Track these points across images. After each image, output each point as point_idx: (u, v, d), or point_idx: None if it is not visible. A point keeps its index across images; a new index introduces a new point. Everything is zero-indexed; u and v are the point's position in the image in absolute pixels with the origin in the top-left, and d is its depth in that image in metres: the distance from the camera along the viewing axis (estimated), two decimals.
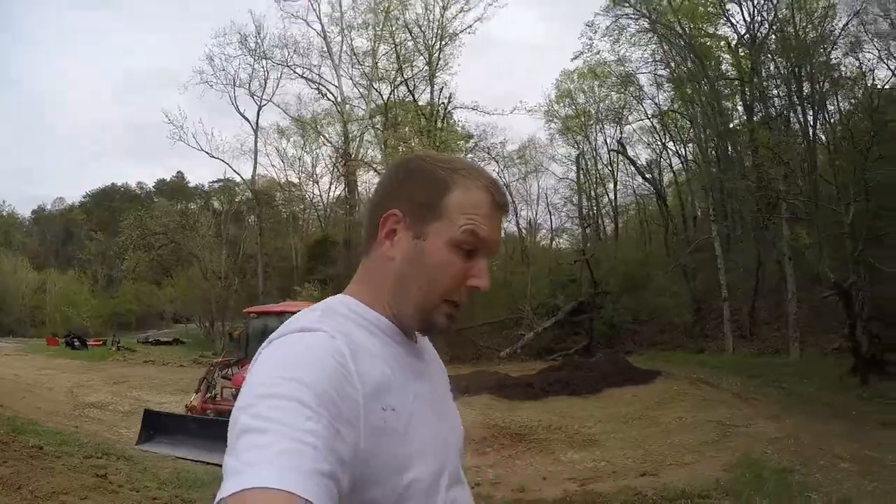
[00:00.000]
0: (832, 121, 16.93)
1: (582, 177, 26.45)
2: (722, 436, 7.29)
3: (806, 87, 15.22)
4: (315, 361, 0.71)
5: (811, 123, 15.65)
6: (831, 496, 4.80)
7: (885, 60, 16.75)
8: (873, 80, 16.02)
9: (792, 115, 15.70)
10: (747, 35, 16.81)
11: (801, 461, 5.96)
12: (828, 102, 16.78)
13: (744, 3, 16.91)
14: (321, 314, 0.82)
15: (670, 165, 26.53)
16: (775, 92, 16.13)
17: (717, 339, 13.86)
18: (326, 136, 28.97)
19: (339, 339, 0.75)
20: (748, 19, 16.82)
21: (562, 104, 27.24)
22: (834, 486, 5.11)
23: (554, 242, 31.99)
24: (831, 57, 15.54)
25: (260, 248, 28.51)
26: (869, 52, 15.22)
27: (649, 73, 20.79)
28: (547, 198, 30.92)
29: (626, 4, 19.12)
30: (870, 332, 10.18)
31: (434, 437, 0.83)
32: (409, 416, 0.79)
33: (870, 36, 16.60)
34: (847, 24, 15.65)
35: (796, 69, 15.07)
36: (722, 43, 17.90)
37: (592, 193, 28.07)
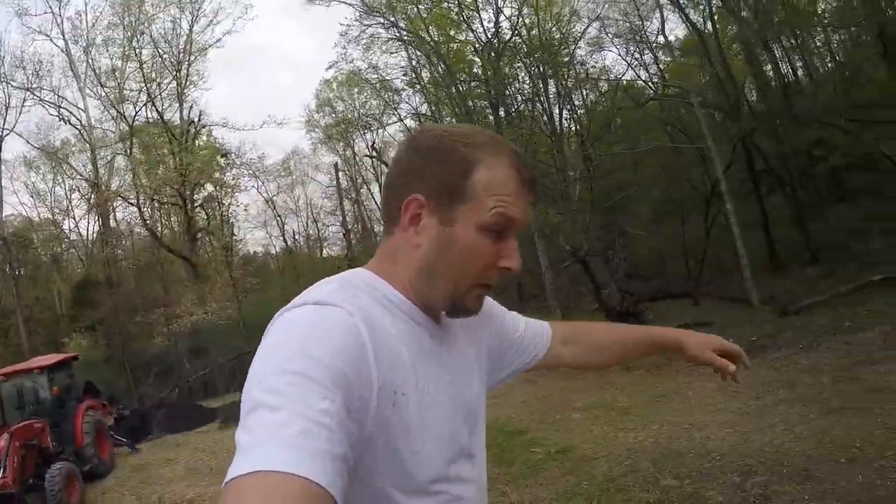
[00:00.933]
0: (579, 112, 19.77)
1: (347, 183, 27.14)
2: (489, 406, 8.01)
3: (553, 84, 17.41)
4: (331, 338, 0.68)
5: (557, 115, 17.95)
6: (552, 447, 5.54)
7: (624, 58, 20.12)
8: (615, 75, 19.18)
9: (539, 108, 17.84)
10: (494, 39, 18.58)
11: (538, 419, 6.80)
12: (574, 96, 19.52)
13: (483, 11, 18.70)
14: (339, 287, 0.78)
15: None
16: (522, 89, 18.22)
17: None
18: (74, 165, 25.69)
19: (356, 315, 0.72)
20: (489, 26, 18.61)
21: (322, 113, 27.48)
22: (559, 437, 5.94)
23: (325, 251, 32.28)
24: (575, 56, 18.02)
25: (17, 300, 24.12)
26: (610, 50, 18.09)
27: (401, 78, 21.82)
28: (310, 207, 31.16)
29: (377, 14, 19.93)
30: (622, 289, 11.66)
31: (445, 427, 0.81)
32: (421, 403, 0.77)
33: (610, 37, 19.84)
34: (588, 27, 18.37)
35: (542, 68, 17.13)
36: (469, 47, 19.50)
37: (356, 199, 28.73)
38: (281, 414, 0.59)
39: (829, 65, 19.04)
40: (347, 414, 0.64)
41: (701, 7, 16.82)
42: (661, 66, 21.03)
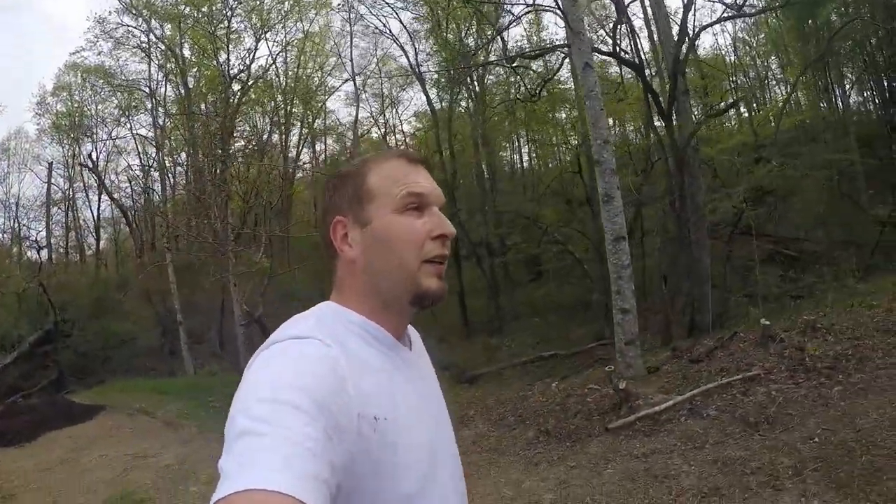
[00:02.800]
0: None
1: (66, 185, 23.65)
2: (126, 470, 7.43)
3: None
4: (311, 369, 0.71)
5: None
6: None
7: (374, 116, 21.09)
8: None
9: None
10: (243, 72, 18.43)
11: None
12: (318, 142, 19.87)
13: (238, 43, 18.51)
14: (315, 321, 0.82)
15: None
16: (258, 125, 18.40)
17: (193, 361, 14.42)
18: None
19: (333, 347, 0.76)
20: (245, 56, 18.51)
21: (57, 98, 23.57)
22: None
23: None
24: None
25: None
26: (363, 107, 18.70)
27: (141, 89, 20.31)
28: (18, 205, 26.20)
29: (135, 13, 18.45)
30: None
31: (424, 445, 0.82)
32: (400, 426, 0.78)
33: (366, 95, 20.82)
34: (344, 82, 18.99)
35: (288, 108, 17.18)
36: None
37: (70, 205, 24.83)
38: (267, 440, 0.61)
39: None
40: (330, 440, 0.66)
41: (445, 97, 18.77)
42: (405, 134, 22.97)
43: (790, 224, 13.28)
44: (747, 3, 9.29)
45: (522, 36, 18.40)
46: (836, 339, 5.98)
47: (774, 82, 20.02)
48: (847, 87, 19.10)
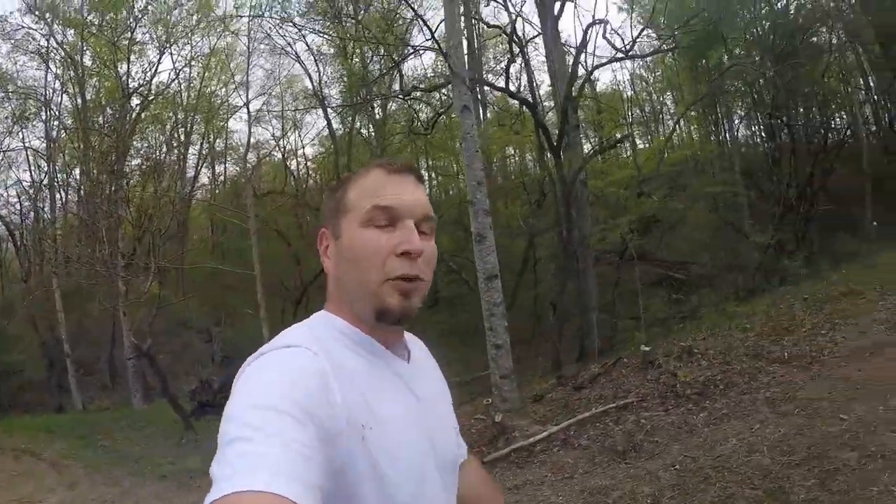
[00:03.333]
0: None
1: None
2: None
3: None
4: (300, 378, 0.72)
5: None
6: None
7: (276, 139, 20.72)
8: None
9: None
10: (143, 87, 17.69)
11: None
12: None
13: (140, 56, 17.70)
14: (305, 331, 0.84)
15: None
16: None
17: (82, 394, 13.42)
18: None
19: (321, 356, 0.77)
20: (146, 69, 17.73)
21: None
22: None
23: None
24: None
25: None
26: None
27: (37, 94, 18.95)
28: None
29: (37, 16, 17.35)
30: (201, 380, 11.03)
31: (414, 457, 0.82)
32: (387, 435, 0.78)
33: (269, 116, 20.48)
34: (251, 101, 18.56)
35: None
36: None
37: None
38: (258, 445, 0.62)
39: None
40: (320, 446, 0.67)
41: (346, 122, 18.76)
42: (307, 157, 22.67)
43: (678, 250, 14.19)
44: (641, 44, 9.94)
45: (428, 66, 18.80)
46: (708, 364, 6.28)
47: (668, 117, 21.50)
48: (736, 122, 21.03)
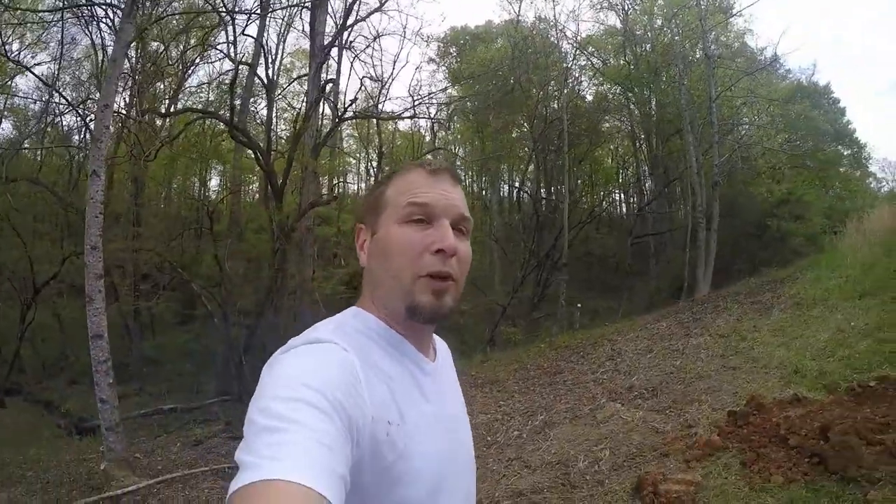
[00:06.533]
0: None
1: None
2: None
3: None
4: (329, 371, 0.72)
5: None
6: None
7: None
8: None
9: None
10: None
11: None
12: None
13: None
14: (335, 327, 0.83)
15: None
16: None
17: None
18: None
19: (350, 351, 0.77)
20: None
21: None
22: None
23: None
24: None
25: None
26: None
27: None
28: None
29: None
30: None
31: (434, 456, 0.81)
32: (411, 433, 0.78)
33: None
34: None
35: None
36: None
37: None
38: (284, 434, 0.62)
39: None
40: (346, 438, 0.67)
41: None
42: None
43: None
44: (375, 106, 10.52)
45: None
46: None
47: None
48: (501, 189, 23.46)
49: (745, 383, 5.43)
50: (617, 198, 27.32)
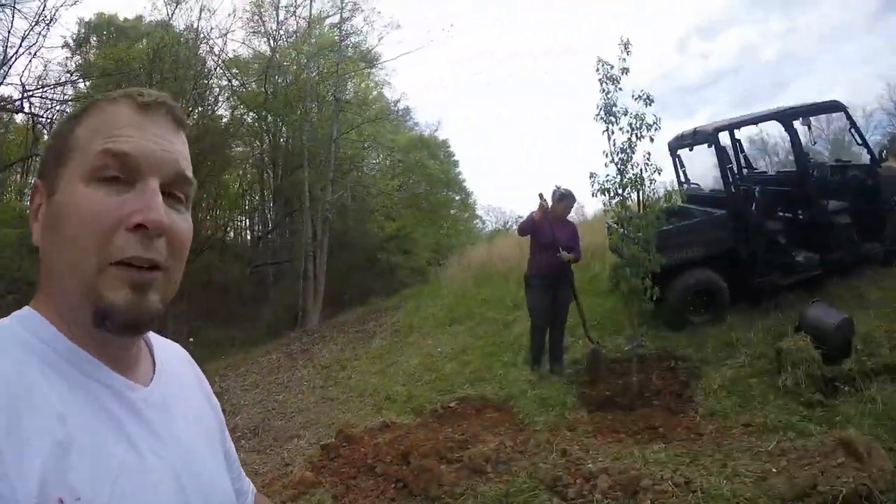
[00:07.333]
0: None
1: None
2: None
3: None
4: None
5: None
6: None
7: None
8: None
9: None
10: None
11: None
12: None
13: None
14: None
15: None
16: None
17: None
18: None
19: None
20: None
21: None
22: None
23: None
24: None
25: None
26: None
27: None
28: None
29: None
30: None
31: None
32: (108, 499, 0.52)
33: None
34: None
35: None
36: None
37: None
38: None
39: None
40: None
41: None
42: None
43: None
44: None
45: None
46: None
47: None
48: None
49: (341, 413, 5.47)
50: (243, 224, 26.92)
